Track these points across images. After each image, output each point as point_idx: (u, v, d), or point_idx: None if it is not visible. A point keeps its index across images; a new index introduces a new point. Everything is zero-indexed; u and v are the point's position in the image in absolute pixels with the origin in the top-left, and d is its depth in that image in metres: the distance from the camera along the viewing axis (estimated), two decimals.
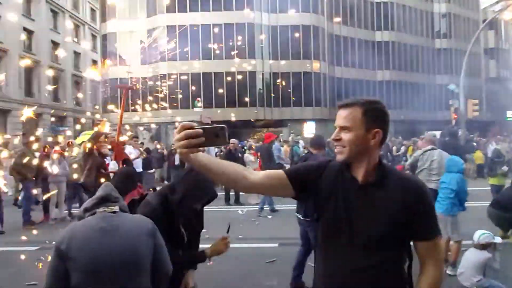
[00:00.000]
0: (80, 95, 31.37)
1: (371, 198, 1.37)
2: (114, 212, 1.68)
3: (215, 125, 1.26)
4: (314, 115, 28.08)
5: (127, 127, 13.04)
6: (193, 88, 25.25)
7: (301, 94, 27.68)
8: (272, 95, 27.45)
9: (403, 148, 15.26)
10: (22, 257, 5.37)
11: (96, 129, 8.17)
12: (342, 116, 1.40)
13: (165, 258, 1.75)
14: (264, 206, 8.41)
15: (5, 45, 23.36)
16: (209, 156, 1.40)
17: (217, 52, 25.72)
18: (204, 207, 2.20)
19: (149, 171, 10.85)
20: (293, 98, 27.31)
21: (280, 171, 1.50)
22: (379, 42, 33.04)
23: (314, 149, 4.45)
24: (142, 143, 13.91)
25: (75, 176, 7.62)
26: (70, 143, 11.08)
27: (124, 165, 5.81)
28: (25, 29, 25.45)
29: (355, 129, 1.36)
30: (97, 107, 32.29)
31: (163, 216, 1.97)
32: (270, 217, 8.14)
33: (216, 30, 25.16)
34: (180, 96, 25.38)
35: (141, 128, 20.56)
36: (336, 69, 30.85)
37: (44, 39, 27.34)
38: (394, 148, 15.77)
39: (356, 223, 1.36)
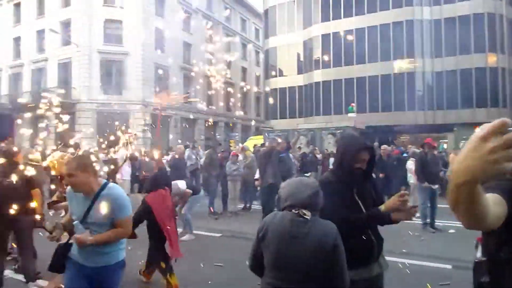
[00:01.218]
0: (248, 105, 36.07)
1: None
2: (305, 217, 1.80)
3: None
4: (489, 117, 24.00)
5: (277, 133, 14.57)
6: (347, 93, 25.56)
7: (471, 93, 24.17)
8: (435, 96, 24.98)
9: None
10: (209, 241, 6.49)
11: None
12: None
13: (341, 272, 1.81)
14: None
15: (193, 66, 29.26)
16: None
17: (371, 54, 25.29)
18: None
19: (305, 174, 11.89)
20: (461, 99, 24.11)
21: (495, 194, 1.18)
22: None
23: None
24: (299, 147, 15.34)
25: (248, 175, 9.26)
26: (243, 147, 13.24)
27: None
28: (207, 52, 31.23)
29: None
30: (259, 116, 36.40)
31: (337, 186, 2.14)
32: (433, 233, 7.18)
33: (371, 32, 24.80)
34: (333, 102, 26.13)
35: (297, 133, 22.29)
36: None
37: (219, 60, 32.78)
38: None
39: None
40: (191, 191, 6.12)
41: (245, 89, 36.96)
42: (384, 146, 11.39)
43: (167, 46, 26.35)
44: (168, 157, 12.35)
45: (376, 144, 12.61)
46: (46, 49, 25.03)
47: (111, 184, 2.52)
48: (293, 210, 1.81)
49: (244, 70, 37.15)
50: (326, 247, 1.75)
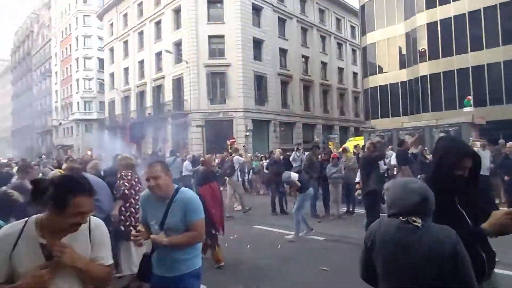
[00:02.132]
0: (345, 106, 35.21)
1: None
2: (415, 224, 1.66)
3: None
4: None
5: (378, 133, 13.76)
6: (460, 85, 22.85)
7: None
8: None
9: None
10: (313, 244, 6.47)
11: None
12: None
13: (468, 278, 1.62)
14: None
15: (290, 72, 29.88)
16: None
17: (490, 38, 22.10)
18: None
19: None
20: None
21: None
22: None
23: None
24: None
25: (349, 177, 9.10)
26: (344, 149, 13.00)
27: None
28: (303, 56, 31.61)
29: None
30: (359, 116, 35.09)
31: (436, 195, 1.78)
32: None
33: (489, 13, 21.73)
34: (443, 96, 23.65)
35: (403, 132, 20.78)
36: None
37: (315, 62, 32.82)
38: None
39: None
40: (299, 184, 6.88)
41: (342, 90, 36.17)
42: (510, 144, 9.90)
43: (264, 55, 27.58)
44: (267, 161, 13.03)
45: (501, 141, 11.08)
46: (163, 68, 28.73)
47: (183, 188, 2.57)
48: (401, 218, 1.68)
49: (340, 70, 36.35)
50: (442, 256, 1.59)
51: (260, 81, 27.03)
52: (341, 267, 5.06)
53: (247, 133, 24.97)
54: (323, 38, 34.41)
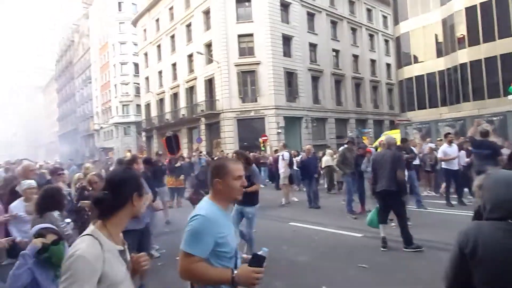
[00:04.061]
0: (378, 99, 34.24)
1: None
2: None
3: None
4: None
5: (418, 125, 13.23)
6: (505, 71, 21.50)
7: None
8: None
9: None
10: (351, 241, 6.32)
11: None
12: None
13: None
14: None
15: (321, 66, 29.51)
16: None
17: None
18: None
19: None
20: None
21: None
22: None
23: None
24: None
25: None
26: (381, 143, 12.70)
27: None
28: (333, 50, 31.11)
29: None
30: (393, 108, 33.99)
31: None
32: None
33: None
34: (486, 84, 22.37)
35: (442, 124, 19.90)
36: None
37: (347, 55, 32.17)
38: None
39: None
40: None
41: (375, 82, 35.19)
42: None
43: (294, 51, 27.45)
44: (299, 157, 13.07)
45: None
46: (194, 70, 29.43)
47: None
48: (509, 220, 1.48)
49: (373, 62, 35.39)
50: None
51: (290, 77, 26.95)
52: (380, 265, 4.98)
53: (279, 130, 25.02)
54: (353, 30, 33.64)
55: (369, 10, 35.44)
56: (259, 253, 1.76)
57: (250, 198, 4.92)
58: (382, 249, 5.62)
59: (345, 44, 32.07)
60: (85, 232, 1.58)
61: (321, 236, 6.79)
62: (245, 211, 5.20)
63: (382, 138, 16.28)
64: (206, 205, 1.88)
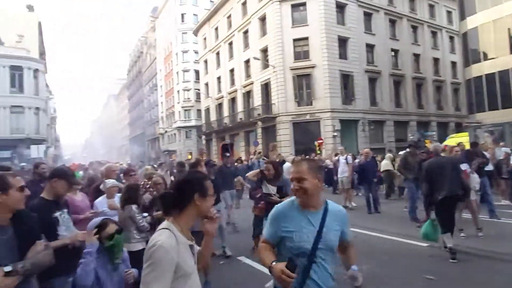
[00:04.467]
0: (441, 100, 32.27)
1: None
2: None
3: None
4: None
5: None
6: None
7: None
8: None
9: None
10: (415, 250, 6.01)
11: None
12: None
13: None
14: None
15: (379, 67, 28.74)
16: None
17: None
18: None
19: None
20: None
21: None
22: None
23: None
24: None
25: None
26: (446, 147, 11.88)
27: None
28: (392, 49, 30.11)
29: None
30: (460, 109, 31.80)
31: None
32: None
33: None
34: None
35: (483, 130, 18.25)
36: None
37: (406, 54, 30.89)
38: None
39: None
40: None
41: (439, 82, 33.26)
42: None
43: (350, 52, 27.15)
44: (356, 161, 12.89)
45: None
46: (251, 75, 30.50)
47: (328, 200, 2.13)
48: None
49: (436, 60, 33.48)
50: None
51: (346, 80, 26.69)
52: (449, 277, 4.69)
53: (335, 134, 24.93)
54: (414, 28, 32.19)
55: (431, 6, 33.62)
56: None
57: None
58: (451, 260, 5.25)
59: (405, 43, 30.83)
60: (161, 226, 1.74)
61: (382, 244, 6.57)
62: None
63: (448, 141, 15.50)
64: (286, 201, 2.13)
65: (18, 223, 2.11)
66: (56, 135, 58.96)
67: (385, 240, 6.90)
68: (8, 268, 1.88)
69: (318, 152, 23.47)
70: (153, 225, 3.92)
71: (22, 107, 28.83)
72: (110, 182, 4.68)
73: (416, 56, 31.92)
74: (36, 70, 30.33)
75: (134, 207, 3.96)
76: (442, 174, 5.57)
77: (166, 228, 1.70)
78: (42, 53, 39.71)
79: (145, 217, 4.08)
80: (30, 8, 39.26)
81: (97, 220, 2.61)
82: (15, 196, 2.09)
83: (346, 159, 11.56)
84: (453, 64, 34.44)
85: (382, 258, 5.64)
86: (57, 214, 2.91)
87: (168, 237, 1.65)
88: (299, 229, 1.94)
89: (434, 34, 33.72)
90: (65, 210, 3.06)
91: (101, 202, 4.42)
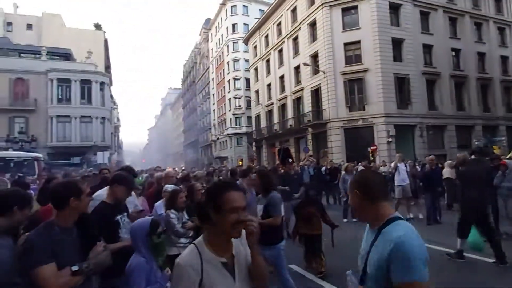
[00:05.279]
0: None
1: None
2: None
3: None
4: None
5: None
6: None
7: None
8: None
9: None
10: (481, 266, 5.64)
11: None
12: None
13: None
14: None
15: (438, 69, 27.06)
16: None
17: None
18: None
19: None
20: None
21: None
22: None
23: None
24: None
25: None
26: None
27: None
28: (452, 49, 28.21)
29: None
30: None
31: None
32: None
33: None
34: None
35: None
36: None
37: (469, 54, 28.72)
38: None
39: None
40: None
41: (508, 82, 30.43)
42: None
43: (405, 54, 25.96)
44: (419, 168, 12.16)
45: None
46: (301, 81, 30.41)
47: (400, 221, 1.68)
48: None
49: (504, 59, 30.73)
50: None
51: (401, 83, 25.49)
52: None
53: (389, 139, 23.87)
54: (478, 25, 29.87)
55: (497, 1, 31.00)
56: None
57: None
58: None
59: (467, 41, 28.72)
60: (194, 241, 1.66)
61: (445, 258, 6.11)
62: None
63: None
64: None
65: (81, 225, 2.28)
66: (119, 142, 63.62)
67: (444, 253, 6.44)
68: (75, 268, 2.08)
69: (372, 158, 22.63)
70: (197, 231, 3.96)
71: (90, 117, 31.60)
72: (170, 187, 5.00)
73: (481, 55, 29.57)
74: (102, 83, 33.12)
75: (172, 211, 4.17)
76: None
77: (193, 243, 1.62)
78: (107, 67, 43.36)
79: (185, 222, 4.22)
80: (98, 26, 43.13)
81: (148, 219, 2.63)
82: (85, 201, 2.31)
83: (406, 166, 10.96)
84: None
85: (446, 273, 5.27)
86: (118, 217, 3.09)
87: (188, 254, 1.57)
88: (365, 249, 1.78)
89: (501, 30, 31.02)
90: (125, 214, 3.23)
91: (160, 206, 4.69)
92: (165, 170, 10.08)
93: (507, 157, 12.33)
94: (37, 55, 32.18)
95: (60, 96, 31.17)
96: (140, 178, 9.36)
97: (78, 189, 2.24)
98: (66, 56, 34.51)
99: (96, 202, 3.27)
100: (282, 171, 8.91)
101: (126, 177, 3.35)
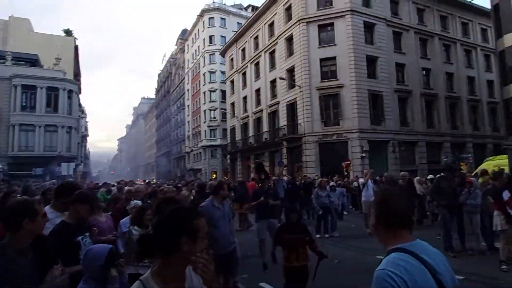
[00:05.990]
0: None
1: None
2: None
3: None
4: None
5: None
6: None
7: None
8: None
9: None
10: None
11: None
12: None
13: None
14: None
15: (409, 87, 27.84)
16: None
17: None
18: None
19: None
20: None
21: None
22: None
23: None
24: None
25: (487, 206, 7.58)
26: (483, 171, 10.77)
27: None
28: (423, 68, 29.20)
29: None
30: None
31: None
32: None
33: None
34: None
35: None
36: None
37: (439, 73, 29.82)
38: None
39: None
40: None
41: (474, 101, 31.80)
42: None
43: (379, 72, 26.53)
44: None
45: None
46: (277, 95, 30.38)
47: (394, 254, 1.53)
48: None
49: (471, 79, 32.17)
50: None
51: (375, 99, 25.96)
52: None
53: (363, 154, 24.07)
54: (447, 47, 31.19)
55: (464, 24, 32.60)
56: None
57: None
58: None
59: (436, 62, 29.85)
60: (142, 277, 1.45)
61: None
62: None
63: (485, 165, 14.44)
64: None
65: (36, 247, 2.19)
66: (86, 152, 61.03)
67: None
68: None
69: (346, 173, 22.68)
70: None
71: (56, 126, 29.98)
72: (134, 203, 4.68)
73: (449, 75, 30.78)
74: (70, 91, 31.66)
75: (135, 228, 3.89)
76: None
77: (140, 280, 1.40)
78: (76, 75, 41.63)
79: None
80: (68, 32, 41.51)
81: (105, 247, 2.38)
82: (40, 223, 2.22)
83: (373, 182, 10.94)
84: (490, 83, 32.95)
85: None
86: (79, 238, 2.90)
87: None
88: None
89: (468, 52, 32.54)
90: (87, 234, 3.04)
91: (125, 223, 4.34)
92: (130, 182, 9.40)
93: (472, 174, 12.56)
94: (1, 60, 30.41)
95: (24, 104, 29.48)
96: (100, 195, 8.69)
97: (33, 210, 2.17)
98: (33, 61, 32.84)
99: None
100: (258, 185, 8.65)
101: (89, 195, 3.21)
